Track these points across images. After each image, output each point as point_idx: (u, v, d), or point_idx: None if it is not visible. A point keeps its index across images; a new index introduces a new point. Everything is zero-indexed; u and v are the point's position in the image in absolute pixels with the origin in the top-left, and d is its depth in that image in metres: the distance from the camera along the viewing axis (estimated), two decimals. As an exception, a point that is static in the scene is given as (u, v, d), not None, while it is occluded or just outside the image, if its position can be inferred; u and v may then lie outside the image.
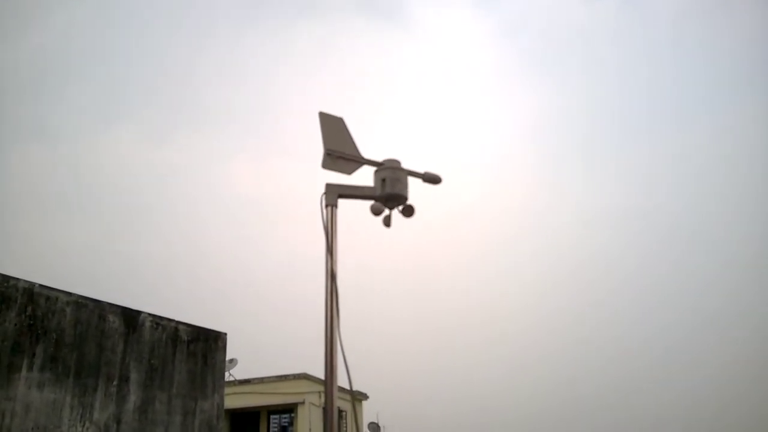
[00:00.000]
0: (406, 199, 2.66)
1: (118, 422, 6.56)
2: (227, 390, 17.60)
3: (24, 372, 5.90)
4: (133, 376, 6.84)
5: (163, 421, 7.02)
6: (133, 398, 6.78)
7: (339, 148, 2.76)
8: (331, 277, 2.32)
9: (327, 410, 2.10)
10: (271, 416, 18.35)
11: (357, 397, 18.74)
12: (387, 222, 2.63)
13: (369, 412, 20.95)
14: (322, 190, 2.70)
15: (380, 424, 20.64)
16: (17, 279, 6.10)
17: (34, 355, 6.02)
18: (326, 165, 2.75)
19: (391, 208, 2.68)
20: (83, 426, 6.24)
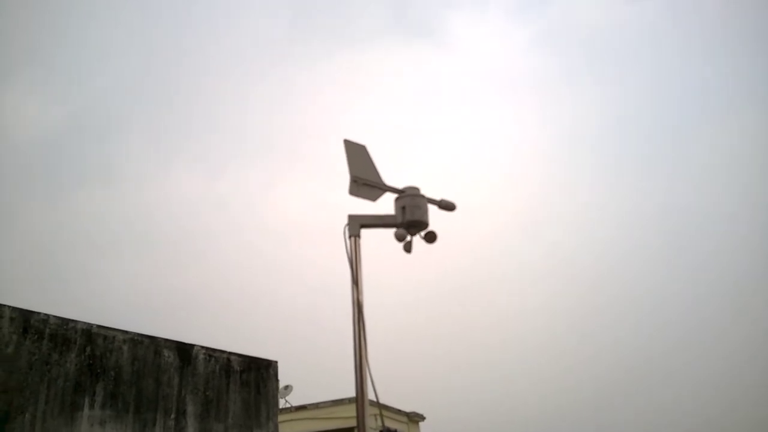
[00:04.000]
0: (426, 225, 2.70)
1: (178, 455, 6.74)
2: (284, 417, 17.78)
3: (86, 410, 6.15)
4: (190, 409, 7.03)
5: (220, 452, 7.17)
6: (190, 430, 6.95)
7: (364, 175, 2.80)
8: (358, 307, 2.37)
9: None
10: (329, 441, 18.39)
11: (414, 419, 18.63)
12: (408, 248, 2.68)
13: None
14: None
15: (439, 445, 20.43)
16: (76, 321, 6.38)
17: (94, 393, 6.27)
18: (353, 192, 2.79)
19: (413, 235, 2.72)
20: (145, 460, 6.44)
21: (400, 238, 2.66)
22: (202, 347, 7.44)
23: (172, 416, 6.82)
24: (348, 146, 2.89)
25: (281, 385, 19.69)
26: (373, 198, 2.83)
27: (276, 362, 8.34)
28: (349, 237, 2.66)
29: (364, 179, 2.79)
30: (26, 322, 5.98)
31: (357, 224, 2.67)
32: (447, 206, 2.75)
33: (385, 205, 2.81)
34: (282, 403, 19.05)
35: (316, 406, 18.74)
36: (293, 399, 19.57)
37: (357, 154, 2.88)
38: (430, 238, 2.69)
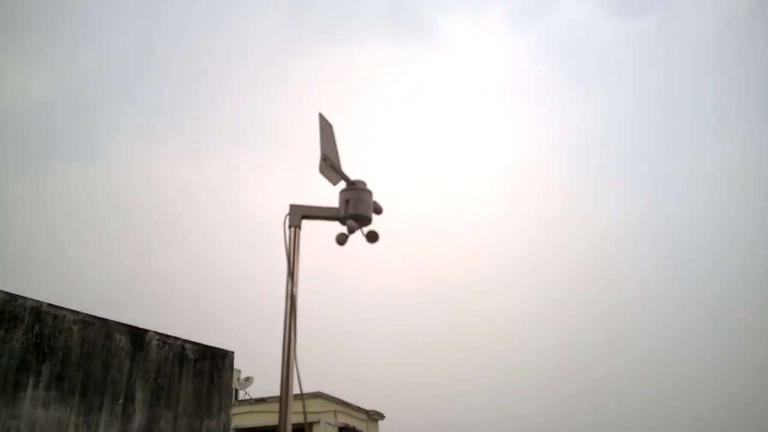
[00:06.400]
0: (369, 219, 2.63)
1: (123, 441, 6.60)
2: (244, 408, 17.63)
3: (30, 390, 5.98)
4: (139, 395, 6.89)
5: (168, 441, 7.04)
6: (138, 417, 6.81)
7: (331, 156, 2.74)
8: (291, 300, 2.30)
9: (280, 429, 2.09)
10: (287, 435, 18.15)
11: (373, 417, 18.59)
12: (374, 238, 2.59)
13: (385, 432, 20.73)
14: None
15: (397, 444, 20.42)
16: (25, 298, 6.21)
17: (40, 373, 6.10)
18: (323, 170, 2.71)
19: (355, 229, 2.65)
20: (87, 445, 6.29)
21: (340, 242, 2.58)
22: (156, 333, 7.30)
23: (120, 402, 6.68)
24: (322, 121, 2.80)
25: (242, 376, 19.54)
26: (334, 182, 2.73)
27: (232, 353, 8.23)
28: (289, 227, 2.58)
29: (332, 161, 2.72)
30: (-29, 296, 5.80)
31: (298, 214, 2.59)
32: (374, 211, 2.64)
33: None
34: (242, 395, 18.88)
35: (276, 399, 18.54)
36: (255, 391, 19.39)
37: (327, 133, 2.81)
38: (372, 238, 2.61)
